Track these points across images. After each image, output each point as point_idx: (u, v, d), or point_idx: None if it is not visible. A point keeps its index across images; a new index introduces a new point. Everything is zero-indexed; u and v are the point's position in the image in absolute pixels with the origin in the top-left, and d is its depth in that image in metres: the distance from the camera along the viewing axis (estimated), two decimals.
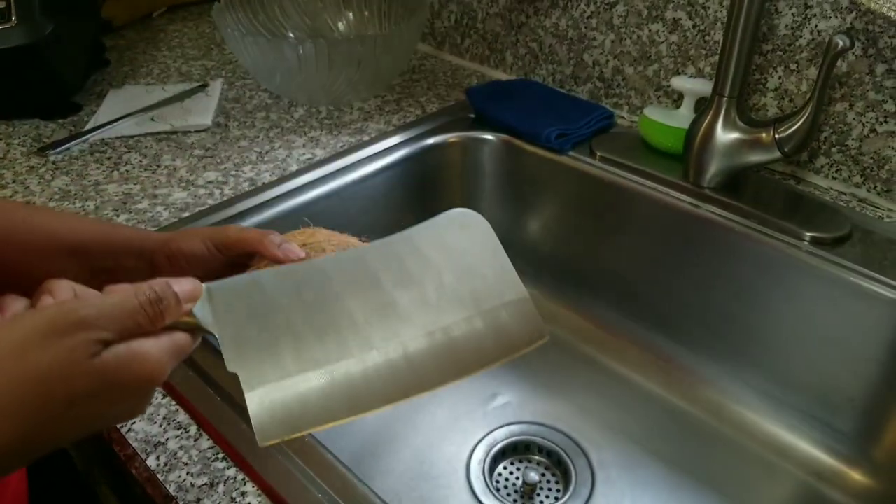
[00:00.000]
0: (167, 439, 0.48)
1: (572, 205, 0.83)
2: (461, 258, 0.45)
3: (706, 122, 0.70)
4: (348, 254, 0.44)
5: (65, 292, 0.36)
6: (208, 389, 0.52)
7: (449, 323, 0.42)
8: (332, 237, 0.47)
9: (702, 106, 0.77)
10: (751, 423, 0.74)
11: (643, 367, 0.81)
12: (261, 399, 0.36)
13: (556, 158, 0.82)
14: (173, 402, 0.51)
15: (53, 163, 0.81)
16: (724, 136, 0.69)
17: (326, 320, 0.40)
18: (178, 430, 0.49)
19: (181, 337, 0.37)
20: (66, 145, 0.83)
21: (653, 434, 0.75)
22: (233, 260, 0.47)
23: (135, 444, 0.48)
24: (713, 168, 0.72)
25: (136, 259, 0.52)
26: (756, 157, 0.68)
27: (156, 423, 0.50)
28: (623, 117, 0.89)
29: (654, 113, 0.78)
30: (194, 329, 0.37)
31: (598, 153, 0.80)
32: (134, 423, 0.49)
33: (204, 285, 0.39)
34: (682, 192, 0.74)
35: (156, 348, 0.34)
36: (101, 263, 0.52)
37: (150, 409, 0.50)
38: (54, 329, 0.32)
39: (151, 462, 0.47)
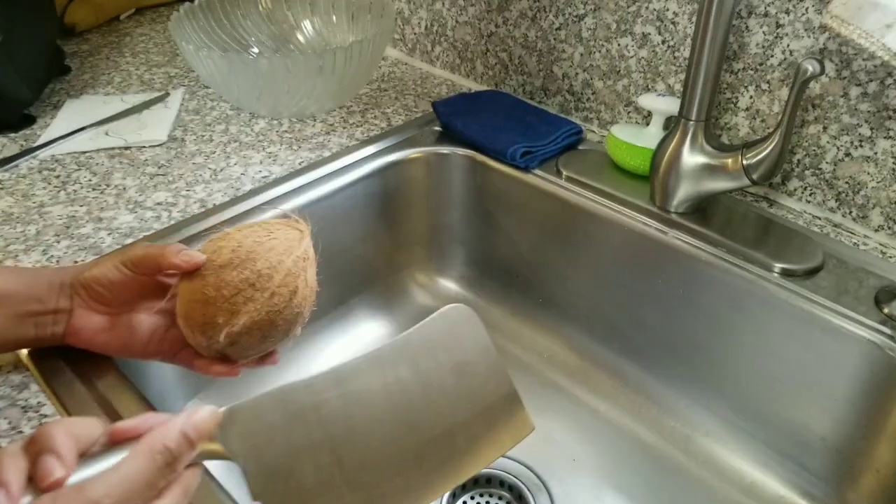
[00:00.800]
0: None
1: (539, 225, 0.80)
2: (457, 356, 0.47)
3: (672, 145, 0.67)
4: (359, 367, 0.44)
5: (66, 447, 0.33)
6: None
7: (451, 426, 0.44)
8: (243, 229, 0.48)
9: (671, 123, 0.74)
10: (719, 458, 0.71)
11: (610, 394, 0.78)
12: None
13: (522, 177, 0.79)
14: None
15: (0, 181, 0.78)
16: (691, 160, 0.66)
17: (350, 454, 0.41)
18: None
19: (189, 475, 0.36)
20: (15, 162, 0.80)
21: (618, 467, 0.72)
22: (149, 278, 0.50)
23: None
24: (680, 193, 0.68)
25: (57, 297, 0.51)
26: (723, 184, 0.65)
27: None
28: (593, 131, 0.85)
29: (621, 132, 0.75)
30: (213, 457, 0.37)
31: (565, 173, 0.77)
32: None
33: (223, 409, 0.38)
34: (648, 217, 0.71)
35: None
36: (26, 308, 0.50)
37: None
38: None
39: None
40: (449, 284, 0.91)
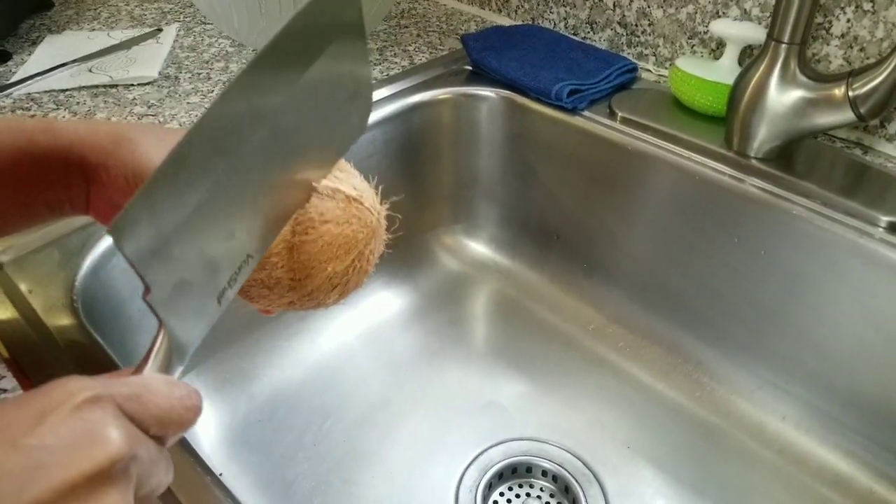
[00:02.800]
0: None
1: (587, 176, 0.69)
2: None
3: (758, 75, 0.55)
4: None
5: None
6: None
7: None
8: None
9: (748, 56, 0.63)
10: (799, 446, 0.61)
11: (668, 372, 0.68)
12: None
13: (568, 119, 0.68)
14: None
15: None
16: (782, 93, 0.55)
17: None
18: None
19: (118, 378, 0.27)
20: None
21: (680, 456, 0.62)
22: None
23: None
24: (764, 133, 0.57)
25: (64, 179, 0.38)
26: (823, 120, 0.54)
27: None
28: (649, 70, 0.74)
29: (688, 65, 0.64)
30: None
31: (619, 113, 0.66)
32: None
33: None
34: (722, 163, 0.60)
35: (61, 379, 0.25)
36: (21, 189, 0.38)
37: None
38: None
39: None
40: (478, 247, 0.81)
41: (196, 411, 0.28)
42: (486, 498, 0.60)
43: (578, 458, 0.62)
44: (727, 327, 0.65)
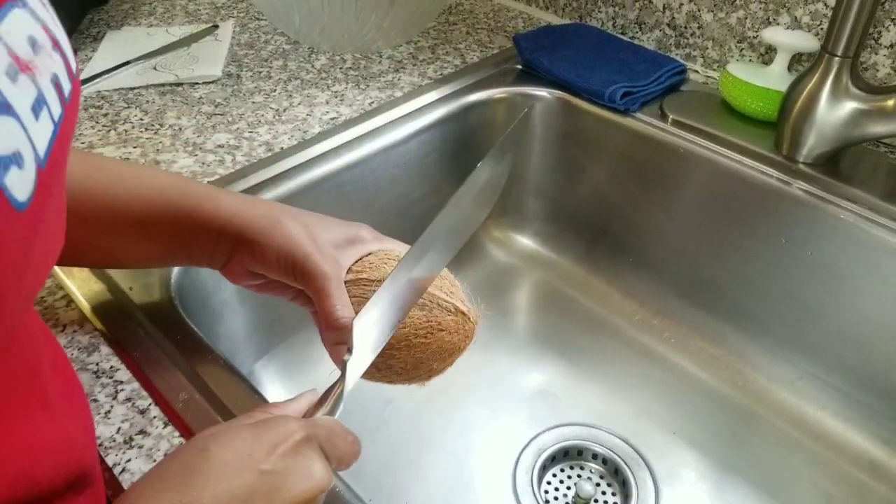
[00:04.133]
0: None
1: (636, 174, 0.72)
2: None
3: (810, 86, 0.58)
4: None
5: None
6: (218, 418, 0.43)
7: None
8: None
9: (798, 62, 0.66)
10: (837, 434, 0.65)
11: (711, 363, 0.71)
12: None
13: (620, 120, 0.70)
14: (176, 433, 0.42)
15: None
16: (833, 104, 0.58)
17: None
18: None
19: (316, 417, 0.37)
20: None
21: (724, 443, 0.66)
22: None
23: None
24: (814, 140, 0.60)
25: (214, 243, 0.45)
26: (875, 130, 0.57)
27: (155, 459, 0.41)
28: (696, 71, 0.77)
29: (739, 70, 0.66)
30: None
31: (671, 115, 0.69)
32: (129, 460, 0.41)
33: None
34: (771, 166, 0.63)
35: (283, 416, 0.36)
36: (178, 243, 0.45)
37: (149, 442, 0.42)
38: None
39: None
40: (525, 241, 0.84)
41: (357, 455, 0.37)
42: (541, 478, 0.64)
43: (627, 443, 0.66)
44: (770, 322, 0.68)
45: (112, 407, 0.44)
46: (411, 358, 0.42)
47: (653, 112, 0.70)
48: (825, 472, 0.63)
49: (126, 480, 0.40)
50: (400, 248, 0.46)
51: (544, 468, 0.65)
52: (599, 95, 0.70)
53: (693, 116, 0.68)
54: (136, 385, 0.45)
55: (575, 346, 0.75)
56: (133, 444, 0.42)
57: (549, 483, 0.65)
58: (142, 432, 0.42)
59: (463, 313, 0.43)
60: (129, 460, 0.41)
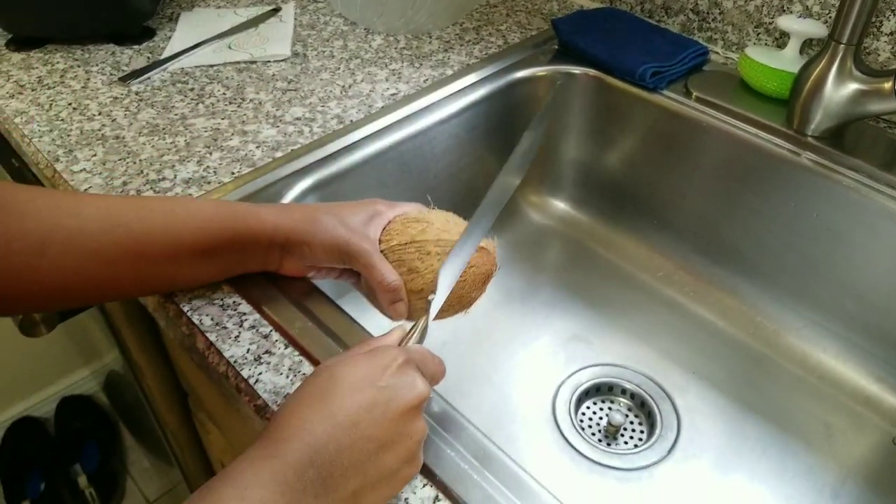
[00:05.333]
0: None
1: (662, 145, 0.81)
2: None
3: (818, 69, 0.67)
4: None
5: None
6: (327, 339, 0.53)
7: None
8: (441, 234, 0.52)
9: (808, 47, 0.74)
10: (837, 373, 0.75)
11: (727, 312, 0.81)
12: None
13: (650, 97, 0.79)
14: (296, 353, 0.52)
15: (136, 93, 0.80)
16: (838, 85, 0.66)
17: None
18: None
19: (410, 345, 0.46)
20: (147, 74, 0.82)
21: (736, 381, 0.76)
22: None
23: (265, 396, 0.49)
24: (820, 116, 0.69)
25: (264, 251, 0.54)
26: (873, 108, 0.66)
27: (282, 373, 0.51)
28: (717, 52, 0.85)
29: (756, 53, 0.75)
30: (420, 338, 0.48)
31: (695, 93, 0.77)
32: (261, 373, 0.51)
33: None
34: (783, 139, 0.72)
35: (387, 345, 0.45)
36: (233, 259, 0.54)
37: (274, 360, 0.52)
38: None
39: None
40: (560, 204, 0.93)
41: (444, 373, 0.47)
42: (577, 409, 0.74)
43: (652, 381, 0.76)
44: (779, 276, 0.77)
45: (240, 333, 0.54)
46: (454, 295, 0.51)
47: (678, 90, 0.79)
48: (826, 406, 0.73)
49: (260, 389, 0.50)
50: (410, 207, 0.55)
51: (579, 401, 0.75)
52: (631, 74, 0.79)
53: (714, 94, 0.77)
54: (257, 316, 0.55)
55: (604, 298, 0.84)
56: (262, 361, 0.52)
57: (583, 414, 0.75)
58: (267, 352, 0.52)
59: (483, 248, 0.53)
60: (260, 373, 0.51)
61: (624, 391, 0.76)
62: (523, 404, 0.74)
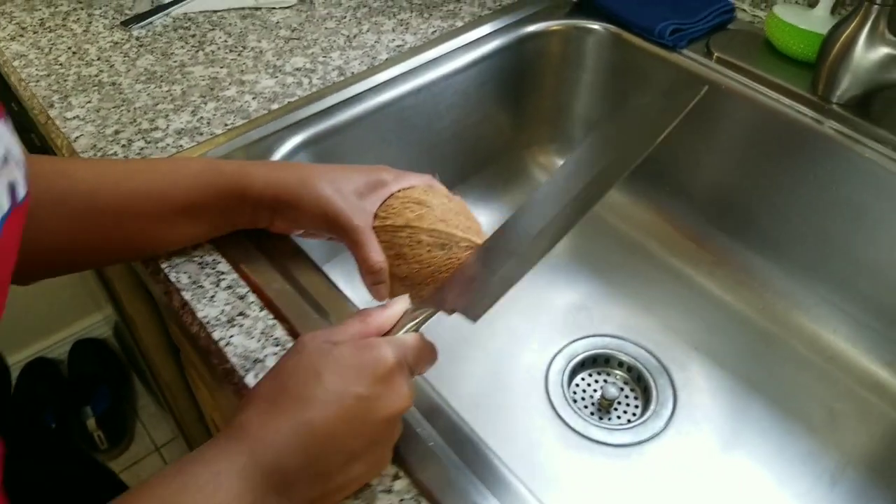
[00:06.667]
0: (265, 356, 0.49)
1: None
2: None
3: (849, 30, 0.62)
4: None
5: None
6: (305, 305, 0.51)
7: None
8: (437, 224, 0.49)
9: (841, 6, 0.69)
10: (847, 355, 0.71)
11: (735, 286, 0.78)
12: None
13: (668, 56, 0.75)
14: (270, 316, 0.51)
15: (137, 38, 0.78)
16: (869, 49, 0.61)
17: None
18: (276, 346, 0.49)
19: (403, 335, 0.42)
20: (150, 19, 0.80)
21: (741, 358, 0.73)
22: None
23: (234, 360, 0.49)
24: (847, 82, 0.64)
25: (252, 210, 0.52)
26: None
27: (253, 337, 0.50)
28: (744, 10, 0.80)
29: (785, 12, 0.70)
30: (418, 327, 0.43)
31: (716, 53, 0.73)
32: (232, 336, 0.50)
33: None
34: (806, 105, 0.67)
35: (377, 340, 0.40)
36: (220, 218, 0.53)
37: (247, 322, 0.51)
38: (299, 345, 0.41)
39: (250, 380, 0.47)
40: None
41: (435, 362, 0.44)
42: (570, 381, 0.73)
43: (651, 354, 0.74)
44: (794, 251, 0.74)
45: (216, 293, 0.53)
46: (438, 277, 0.49)
47: (699, 49, 0.74)
48: (832, 389, 0.70)
49: (230, 352, 0.49)
50: (418, 181, 0.52)
51: (574, 372, 0.74)
52: (650, 31, 0.74)
53: (736, 55, 0.72)
54: (235, 276, 0.54)
55: (609, 266, 0.82)
56: (235, 323, 0.51)
57: (577, 385, 0.73)
58: (242, 314, 0.51)
59: (479, 245, 0.49)
60: (232, 336, 0.50)
61: (621, 364, 0.74)
62: (515, 372, 0.73)
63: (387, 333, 0.43)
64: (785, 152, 0.70)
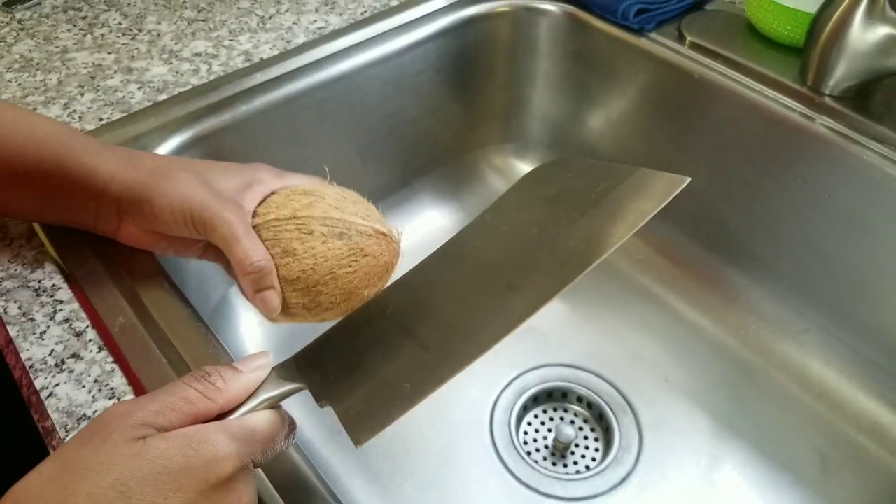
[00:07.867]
0: (96, 411, 0.38)
1: (647, 101, 0.66)
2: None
3: (843, 6, 0.51)
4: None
5: None
6: (152, 345, 0.41)
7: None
8: (331, 212, 0.40)
9: None
10: (840, 392, 0.61)
11: (713, 308, 0.67)
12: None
13: (633, 41, 0.64)
14: (110, 359, 0.40)
15: (19, 21, 0.67)
16: (867, 28, 0.51)
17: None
18: (111, 398, 0.39)
19: (254, 418, 0.32)
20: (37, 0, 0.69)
21: (718, 394, 0.62)
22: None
23: (54, 416, 0.38)
24: (842, 70, 0.54)
25: (96, 203, 0.42)
26: None
27: (84, 386, 0.39)
28: None
29: None
30: (277, 402, 0.33)
31: (689, 37, 0.62)
32: (58, 384, 0.39)
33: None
34: (794, 98, 0.57)
35: (216, 430, 0.30)
36: (55, 199, 0.43)
37: (79, 367, 0.40)
38: (100, 426, 0.29)
39: None
40: (528, 168, 0.79)
41: (289, 443, 0.34)
42: (520, 419, 0.62)
43: (614, 387, 0.63)
44: (780, 268, 0.63)
45: (48, 328, 0.42)
46: (339, 290, 0.40)
47: (670, 33, 0.64)
48: (824, 433, 0.60)
49: (52, 406, 0.38)
50: (303, 181, 0.43)
51: (525, 409, 0.63)
52: (612, 11, 0.64)
53: (713, 39, 0.62)
54: (75, 306, 0.43)
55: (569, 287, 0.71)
56: (64, 367, 0.40)
57: (529, 424, 0.62)
58: (75, 356, 0.40)
59: (383, 234, 0.41)
60: (57, 385, 0.39)
61: (580, 399, 0.63)
62: (457, 410, 0.62)
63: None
64: (768, 153, 0.59)
